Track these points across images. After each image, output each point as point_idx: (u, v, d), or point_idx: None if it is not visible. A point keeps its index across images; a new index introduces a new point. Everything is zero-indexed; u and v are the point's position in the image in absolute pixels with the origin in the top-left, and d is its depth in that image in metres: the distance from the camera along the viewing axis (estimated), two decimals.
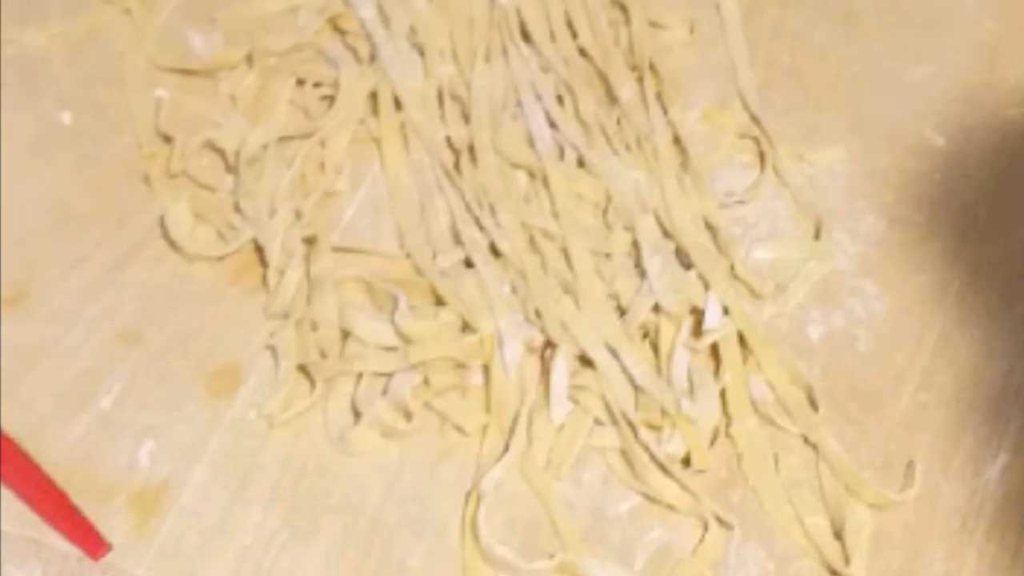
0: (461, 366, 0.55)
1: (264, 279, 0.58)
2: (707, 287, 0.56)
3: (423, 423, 0.54)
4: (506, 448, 0.53)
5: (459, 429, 0.54)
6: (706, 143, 0.63)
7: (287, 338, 0.56)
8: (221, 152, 0.63)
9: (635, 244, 0.58)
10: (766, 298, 0.57)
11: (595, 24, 0.67)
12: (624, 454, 0.53)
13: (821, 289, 0.58)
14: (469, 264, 0.58)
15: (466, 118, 0.63)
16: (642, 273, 0.57)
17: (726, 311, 0.56)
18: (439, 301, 0.57)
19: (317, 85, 0.65)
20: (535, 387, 0.55)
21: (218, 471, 0.53)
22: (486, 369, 0.55)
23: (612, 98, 0.64)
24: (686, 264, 0.58)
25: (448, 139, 0.63)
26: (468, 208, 0.60)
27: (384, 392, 0.54)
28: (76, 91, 0.66)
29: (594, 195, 0.60)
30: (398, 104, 0.64)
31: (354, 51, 0.66)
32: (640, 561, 0.51)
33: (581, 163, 0.62)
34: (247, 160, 0.61)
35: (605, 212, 0.60)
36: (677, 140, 0.62)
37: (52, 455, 0.54)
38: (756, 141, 0.63)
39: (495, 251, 0.58)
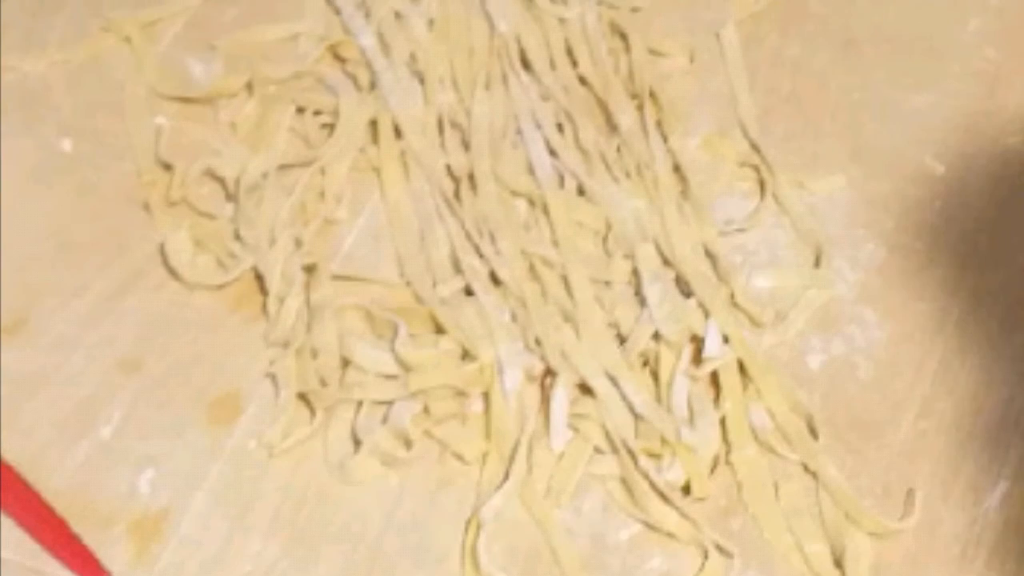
0: (461, 394, 0.56)
1: (264, 307, 0.59)
2: (707, 315, 0.57)
3: (423, 451, 0.55)
4: (506, 476, 0.54)
5: (459, 457, 0.55)
6: (706, 171, 0.64)
7: (287, 366, 0.57)
8: (221, 180, 0.64)
9: (635, 272, 0.59)
10: (766, 326, 0.58)
11: (595, 52, 0.68)
12: (624, 482, 0.54)
13: (821, 317, 0.59)
14: (469, 292, 0.59)
15: (466, 146, 0.64)
16: (642, 301, 0.58)
17: (726, 339, 0.57)
18: (439, 329, 0.58)
19: (317, 113, 0.66)
20: (535, 415, 0.56)
21: (218, 499, 0.54)
22: (486, 397, 0.56)
23: (612, 126, 0.65)
24: (686, 292, 0.59)
25: (448, 167, 0.64)
26: (468, 236, 0.61)
27: (384, 420, 0.55)
28: (76, 119, 0.67)
29: (594, 223, 0.62)
30: (398, 132, 0.65)
31: (354, 79, 0.67)
32: None
33: (581, 191, 0.63)
34: (247, 188, 0.62)
35: (605, 240, 0.61)
36: (677, 168, 0.63)
37: (52, 483, 0.54)
38: (756, 169, 0.64)
39: (495, 279, 0.59)
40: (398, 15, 0.69)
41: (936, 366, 0.57)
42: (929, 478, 0.54)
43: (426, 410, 0.56)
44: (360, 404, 0.56)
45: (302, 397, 0.56)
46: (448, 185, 0.63)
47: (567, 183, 0.63)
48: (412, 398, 0.55)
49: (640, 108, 0.66)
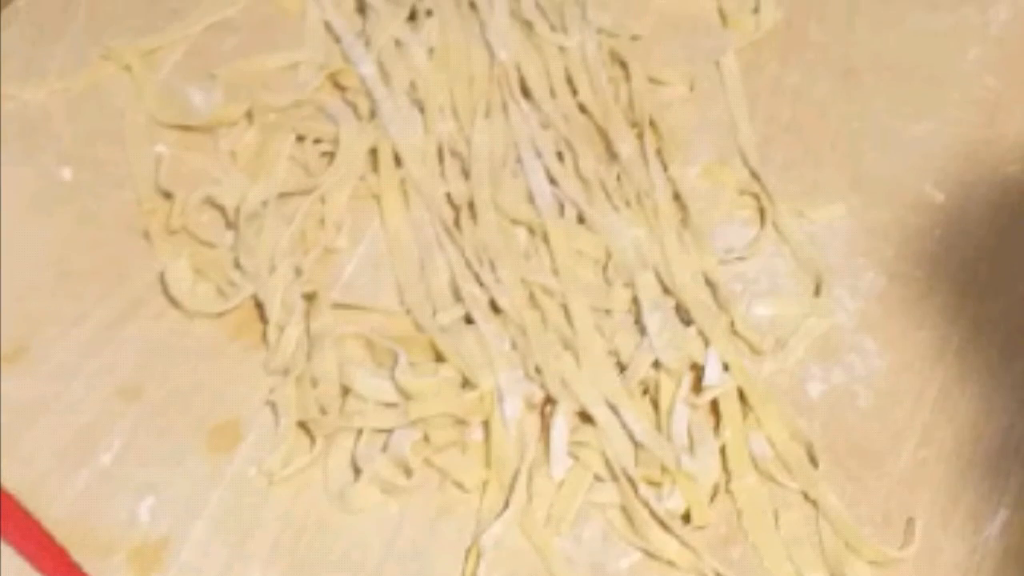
0: (461, 422, 0.57)
1: (264, 335, 0.60)
2: (707, 343, 0.58)
3: (423, 479, 0.56)
4: (506, 504, 0.55)
5: (459, 485, 0.56)
6: (706, 199, 0.65)
7: (287, 394, 0.58)
8: (221, 208, 0.65)
9: (635, 300, 0.60)
10: (766, 354, 0.59)
11: (595, 81, 0.69)
12: (624, 510, 0.55)
13: (821, 345, 0.60)
14: (469, 320, 0.60)
15: (466, 174, 0.65)
16: (642, 329, 0.59)
17: (726, 367, 0.58)
18: (439, 357, 0.59)
19: (317, 141, 0.67)
20: (535, 443, 0.57)
21: (218, 527, 0.55)
22: (486, 425, 0.57)
23: (612, 154, 0.66)
24: (686, 320, 0.60)
25: (448, 195, 0.65)
26: (468, 264, 0.62)
27: (384, 448, 0.56)
28: (76, 147, 0.68)
29: (594, 251, 0.63)
30: (398, 160, 0.66)
31: (354, 107, 0.68)
32: None
33: (581, 219, 0.64)
34: (247, 216, 0.63)
35: (605, 268, 0.62)
36: (677, 196, 0.64)
37: (52, 511, 0.55)
38: (756, 197, 0.65)
39: (495, 307, 0.60)
40: (398, 43, 0.70)
41: (936, 394, 0.58)
42: (929, 506, 0.55)
43: (426, 438, 0.57)
44: (360, 432, 0.57)
45: (302, 425, 0.57)
46: (448, 213, 0.64)
47: (567, 211, 0.64)
48: (412, 426, 0.56)
49: (640, 136, 0.67)
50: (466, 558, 0.54)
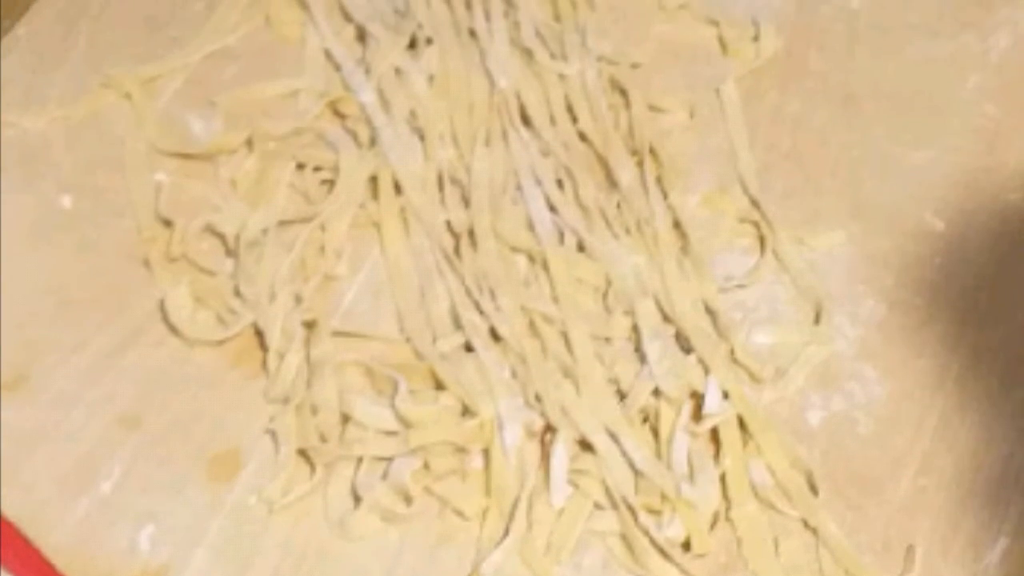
0: (461, 450, 0.58)
1: (264, 363, 0.61)
2: (707, 371, 0.59)
3: (423, 507, 0.57)
4: (506, 532, 0.56)
5: (459, 513, 0.57)
6: (706, 227, 0.66)
7: (287, 422, 0.59)
8: (221, 236, 0.65)
9: (635, 328, 0.61)
10: (766, 382, 0.60)
11: (595, 108, 0.70)
12: (624, 538, 0.56)
13: (821, 373, 0.61)
14: (469, 348, 0.61)
15: (466, 202, 0.66)
16: (642, 357, 0.60)
17: (726, 395, 0.58)
18: (439, 385, 0.60)
19: (317, 169, 0.68)
20: (535, 471, 0.57)
21: (218, 555, 0.56)
22: (486, 453, 0.58)
23: (612, 182, 0.67)
24: (686, 348, 0.60)
25: (448, 223, 0.66)
26: (468, 292, 0.63)
27: (384, 476, 0.57)
28: (76, 175, 0.69)
29: (594, 279, 0.63)
30: (398, 188, 0.67)
31: (354, 135, 0.69)
32: None
33: (581, 247, 0.64)
34: (247, 244, 0.64)
35: (605, 296, 0.63)
36: (677, 224, 0.65)
37: (52, 539, 0.56)
38: (756, 225, 0.66)
39: (495, 335, 0.61)
40: (398, 71, 0.71)
41: (936, 422, 0.59)
42: (929, 534, 0.56)
43: (426, 466, 0.57)
44: (360, 460, 0.58)
45: (302, 453, 0.58)
46: (448, 241, 0.65)
47: (567, 239, 0.65)
48: (412, 454, 0.57)
49: (640, 164, 0.68)
50: None
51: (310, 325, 0.62)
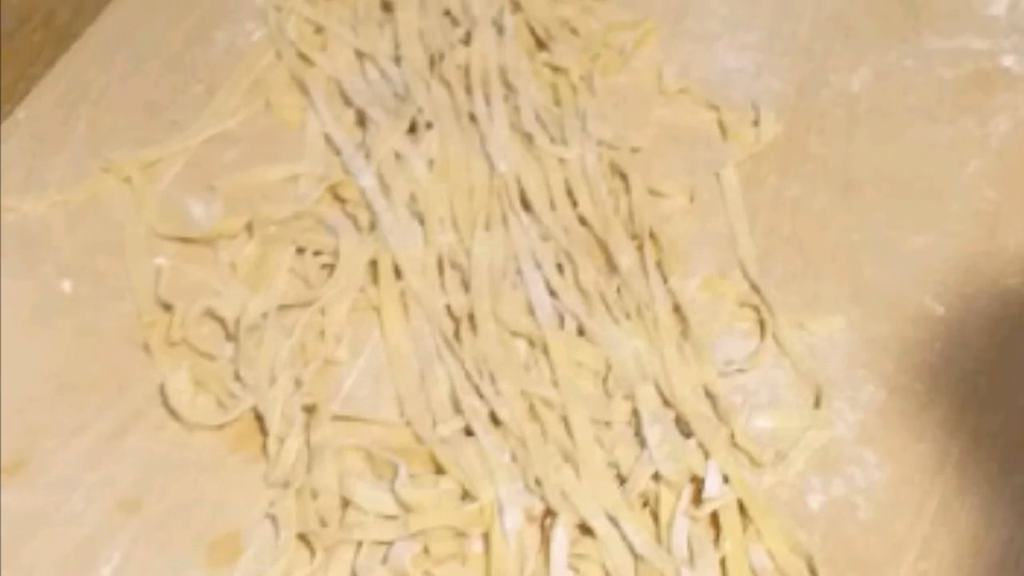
0: (461, 534, 0.59)
1: (264, 447, 0.63)
2: (707, 455, 0.61)
3: None
4: None
5: None
6: (706, 311, 0.68)
7: (287, 507, 0.60)
8: (221, 320, 0.68)
9: (635, 412, 0.63)
10: (766, 466, 0.61)
11: (595, 192, 0.72)
12: None
13: (821, 457, 0.62)
14: (469, 432, 0.63)
15: (466, 286, 0.69)
16: (642, 441, 0.62)
17: (726, 479, 0.60)
18: (439, 469, 0.61)
19: (317, 253, 0.70)
20: (535, 555, 0.59)
21: None
22: (486, 537, 0.59)
23: (612, 266, 0.69)
24: (686, 432, 0.62)
25: (448, 307, 0.68)
26: (468, 376, 0.65)
27: (384, 561, 0.59)
28: (76, 259, 0.71)
29: (594, 363, 0.65)
30: (398, 272, 0.69)
31: (354, 219, 0.72)
32: None
33: (581, 331, 0.66)
34: (247, 328, 0.66)
35: (605, 380, 0.65)
36: (677, 308, 0.67)
37: None
38: (756, 309, 0.68)
39: (495, 419, 0.63)
40: (398, 156, 0.74)
41: (936, 507, 0.60)
42: None
43: (426, 550, 0.59)
44: (360, 544, 0.59)
45: (302, 538, 0.60)
46: (448, 325, 0.67)
47: (567, 323, 0.67)
48: (412, 538, 0.59)
49: (640, 248, 0.70)
50: None
51: (310, 409, 0.64)
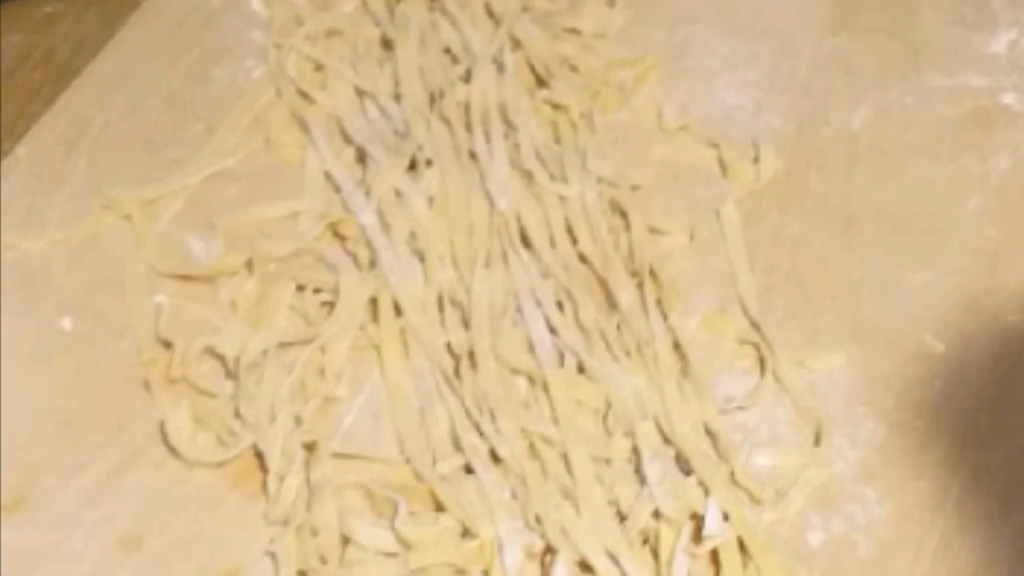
0: (461, 572, 0.60)
1: (264, 485, 0.63)
2: (707, 493, 0.62)
3: None
4: None
5: None
6: (706, 349, 0.69)
7: (287, 544, 0.61)
8: (221, 358, 0.69)
9: (635, 450, 0.64)
10: (766, 504, 0.62)
11: (595, 230, 0.74)
12: None
13: (821, 495, 0.63)
14: (469, 470, 0.64)
15: (466, 324, 0.70)
16: (642, 479, 0.63)
17: (726, 517, 0.61)
18: (439, 507, 0.62)
19: (317, 291, 0.71)
20: None
21: None
22: (486, 575, 0.60)
23: (612, 304, 0.70)
24: (686, 470, 0.63)
25: (448, 345, 0.69)
26: (468, 414, 0.66)
27: None
28: (76, 297, 0.72)
29: (594, 401, 0.66)
30: (398, 310, 0.70)
31: (354, 257, 0.73)
32: None
33: (581, 369, 0.67)
34: (247, 366, 0.68)
35: (605, 418, 0.66)
36: (677, 346, 0.68)
37: None
38: (756, 347, 0.69)
39: (495, 457, 0.64)
40: (398, 193, 0.75)
41: (936, 544, 0.61)
42: None
43: None
44: None
45: (302, 575, 0.60)
46: (448, 363, 0.68)
47: (567, 361, 0.68)
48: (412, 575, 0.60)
49: (640, 286, 0.71)
50: None
51: (310, 447, 0.64)
